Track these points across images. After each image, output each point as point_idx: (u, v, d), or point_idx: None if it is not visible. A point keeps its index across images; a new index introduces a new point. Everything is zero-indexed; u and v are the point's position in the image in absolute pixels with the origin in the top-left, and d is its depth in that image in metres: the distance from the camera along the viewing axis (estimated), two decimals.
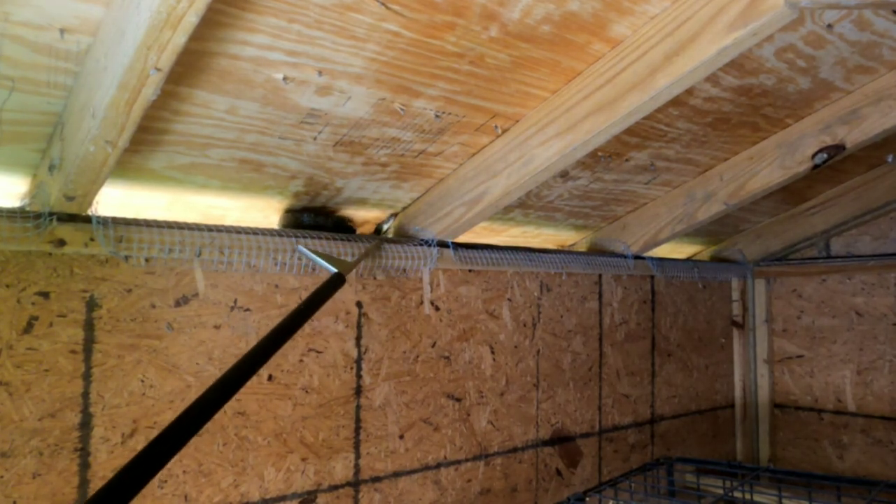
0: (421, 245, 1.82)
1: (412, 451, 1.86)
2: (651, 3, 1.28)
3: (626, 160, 1.92)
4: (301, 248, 1.56)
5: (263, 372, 1.57)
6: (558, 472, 2.28)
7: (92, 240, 1.31)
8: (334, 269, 1.49)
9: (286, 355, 1.61)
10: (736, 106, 1.75)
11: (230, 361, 1.52)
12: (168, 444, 0.93)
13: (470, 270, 2.02)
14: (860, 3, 1.27)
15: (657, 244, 2.40)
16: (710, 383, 2.97)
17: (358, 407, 1.75)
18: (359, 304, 1.76)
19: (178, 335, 1.45)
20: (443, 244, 1.88)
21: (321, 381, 1.68)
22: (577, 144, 1.50)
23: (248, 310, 1.56)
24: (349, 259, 1.65)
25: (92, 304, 1.34)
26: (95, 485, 1.33)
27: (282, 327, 1.22)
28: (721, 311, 3.06)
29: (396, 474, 1.82)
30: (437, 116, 1.47)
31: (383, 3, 1.12)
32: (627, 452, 2.54)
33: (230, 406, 1.52)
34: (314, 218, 1.71)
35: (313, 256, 1.54)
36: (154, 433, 1.40)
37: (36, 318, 1.28)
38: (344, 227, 1.77)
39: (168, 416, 1.42)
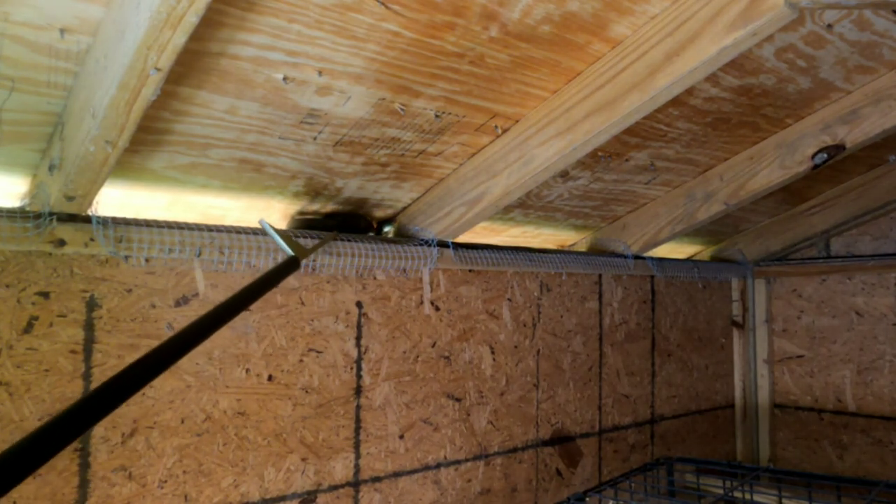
0: (421, 245, 1.82)
1: (412, 451, 1.86)
2: (651, 3, 1.28)
3: (626, 160, 1.92)
4: (263, 222, 1.46)
5: (263, 372, 1.57)
6: (558, 472, 2.28)
7: (92, 240, 1.31)
8: (291, 252, 1.42)
9: (286, 355, 1.61)
10: (736, 106, 1.74)
11: (230, 361, 1.52)
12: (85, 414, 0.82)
13: (470, 270, 2.02)
14: (860, 3, 1.27)
15: (657, 244, 2.40)
16: (710, 383, 2.97)
17: (358, 407, 1.75)
18: (359, 304, 1.76)
19: None
20: (443, 244, 1.88)
21: (321, 381, 1.68)
22: (577, 144, 1.50)
23: (248, 310, 1.56)
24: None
25: (92, 304, 1.34)
26: (95, 484, 1.34)
27: (229, 305, 1.13)
28: (721, 311, 3.06)
29: (396, 474, 1.82)
30: (437, 116, 1.47)
31: (383, 3, 1.12)
32: (627, 452, 2.54)
33: (230, 406, 1.52)
34: (324, 220, 1.71)
35: (274, 235, 1.45)
36: (154, 433, 1.41)
37: (36, 318, 1.28)
38: (355, 227, 1.77)
39: (168, 416, 1.43)
